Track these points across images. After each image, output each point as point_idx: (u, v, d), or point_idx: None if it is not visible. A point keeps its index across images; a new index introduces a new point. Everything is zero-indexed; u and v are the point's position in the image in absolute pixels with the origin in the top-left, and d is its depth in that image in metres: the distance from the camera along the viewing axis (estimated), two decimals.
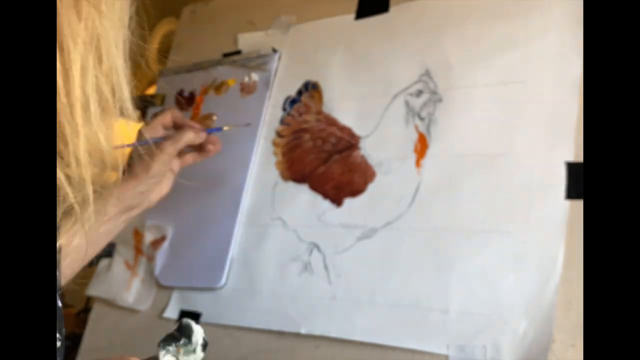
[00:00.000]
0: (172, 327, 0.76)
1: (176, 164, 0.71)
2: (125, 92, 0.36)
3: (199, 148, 0.73)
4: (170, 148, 0.68)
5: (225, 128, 0.75)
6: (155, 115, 0.71)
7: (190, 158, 0.72)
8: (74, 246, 0.59)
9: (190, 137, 0.69)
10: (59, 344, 0.43)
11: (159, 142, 0.67)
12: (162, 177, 0.69)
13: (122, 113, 0.36)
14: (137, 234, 0.90)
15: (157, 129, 0.69)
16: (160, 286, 0.85)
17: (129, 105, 0.36)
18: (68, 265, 0.61)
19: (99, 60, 0.33)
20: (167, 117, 0.70)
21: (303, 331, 0.68)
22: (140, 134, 0.69)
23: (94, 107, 0.33)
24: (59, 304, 0.45)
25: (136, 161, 0.67)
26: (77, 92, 0.32)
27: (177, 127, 0.71)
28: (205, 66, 0.94)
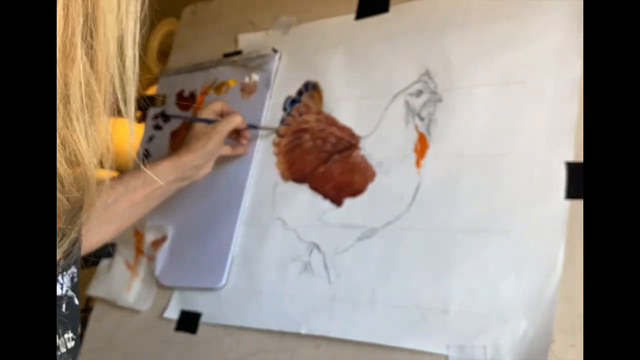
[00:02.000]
0: (172, 328, 0.77)
1: (221, 149, 0.80)
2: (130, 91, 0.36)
3: (236, 139, 0.83)
4: (224, 128, 0.78)
5: (262, 129, 0.84)
6: (208, 103, 0.82)
7: (227, 148, 0.81)
8: (121, 210, 0.71)
9: (239, 120, 0.79)
10: (73, 343, 0.44)
11: (214, 123, 0.78)
12: (212, 156, 0.78)
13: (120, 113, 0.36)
14: (138, 234, 0.90)
15: (210, 114, 0.79)
16: (160, 286, 0.85)
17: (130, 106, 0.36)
18: (116, 229, 0.73)
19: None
20: (218, 105, 0.80)
21: (303, 331, 0.68)
22: (196, 115, 0.80)
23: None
24: (76, 301, 0.46)
25: (194, 139, 0.77)
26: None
27: (225, 114, 0.80)
28: (205, 66, 0.94)
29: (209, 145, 0.76)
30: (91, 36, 0.32)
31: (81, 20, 0.31)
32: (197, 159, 0.76)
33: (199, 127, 0.78)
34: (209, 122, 0.79)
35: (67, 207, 0.34)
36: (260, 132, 0.83)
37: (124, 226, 0.74)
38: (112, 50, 0.33)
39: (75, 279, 0.46)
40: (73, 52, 0.31)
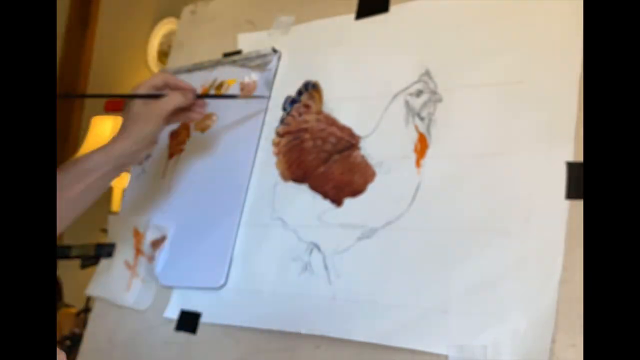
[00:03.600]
0: (172, 327, 0.76)
1: (163, 129, 0.74)
2: None
3: (186, 114, 0.76)
4: (163, 110, 0.71)
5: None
6: (152, 76, 0.74)
7: (176, 119, 0.76)
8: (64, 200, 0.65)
9: (179, 100, 0.73)
10: None
11: (150, 104, 0.71)
12: (152, 139, 0.72)
13: None
14: (137, 234, 0.90)
15: (148, 89, 0.72)
16: (160, 286, 0.85)
17: None
18: (61, 218, 0.65)
19: None
20: (159, 79, 0.73)
21: (303, 331, 0.68)
22: (133, 92, 0.72)
23: None
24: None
25: (130, 122, 0.70)
26: None
27: (170, 87, 0.73)
28: (205, 66, 0.94)
29: (145, 130, 0.70)
30: None
31: None
32: (133, 145, 0.70)
33: (136, 107, 0.71)
34: (152, 97, 0.72)
35: None
36: (264, 133, 0.82)
37: (63, 227, 0.69)
38: None
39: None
40: None
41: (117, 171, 0.72)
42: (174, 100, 0.72)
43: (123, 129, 0.71)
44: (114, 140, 0.70)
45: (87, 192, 0.69)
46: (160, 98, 0.72)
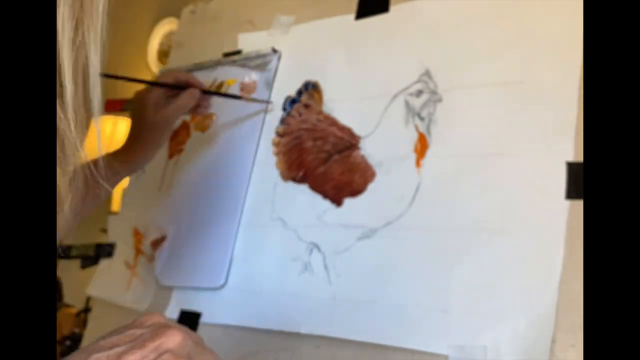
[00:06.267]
0: None
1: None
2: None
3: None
4: (175, 117, 0.72)
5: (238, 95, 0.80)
6: (162, 74, 0.76)
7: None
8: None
9: (190, 103, 0.73)
10: None
11: (162, 111, 0.71)
12: (165, 142, 0.74)
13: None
14: (137, 234, 0.90)
15: (162, 91, 0.73)
16: (160, 286, 0.85)
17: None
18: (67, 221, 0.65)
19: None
20: (169, 78, 0.73)
21: (303, 331, 0.68)
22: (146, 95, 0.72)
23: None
24: None
25: (145, 132, 0.71)
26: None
27: (180, 82, 0.74)
28: (205, 66, 0.94)
29: (163, 138, 0.72)
30: None
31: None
32: (150, 153, 0.72)
33: (150, 115, 0.71)
34: (176, 88, 0.72)
35: None
36: (264, 133, 0.82)
37: (67, 230, 0.70)
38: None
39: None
40: None
41: (127, 177, 0.73)
42: (184, 103, 0.72)
43: (137, 136, 0.71)
44: (130, 148, 0.70)
45: (97, 198, 0.69)
46: (174, 97, 0.72)
